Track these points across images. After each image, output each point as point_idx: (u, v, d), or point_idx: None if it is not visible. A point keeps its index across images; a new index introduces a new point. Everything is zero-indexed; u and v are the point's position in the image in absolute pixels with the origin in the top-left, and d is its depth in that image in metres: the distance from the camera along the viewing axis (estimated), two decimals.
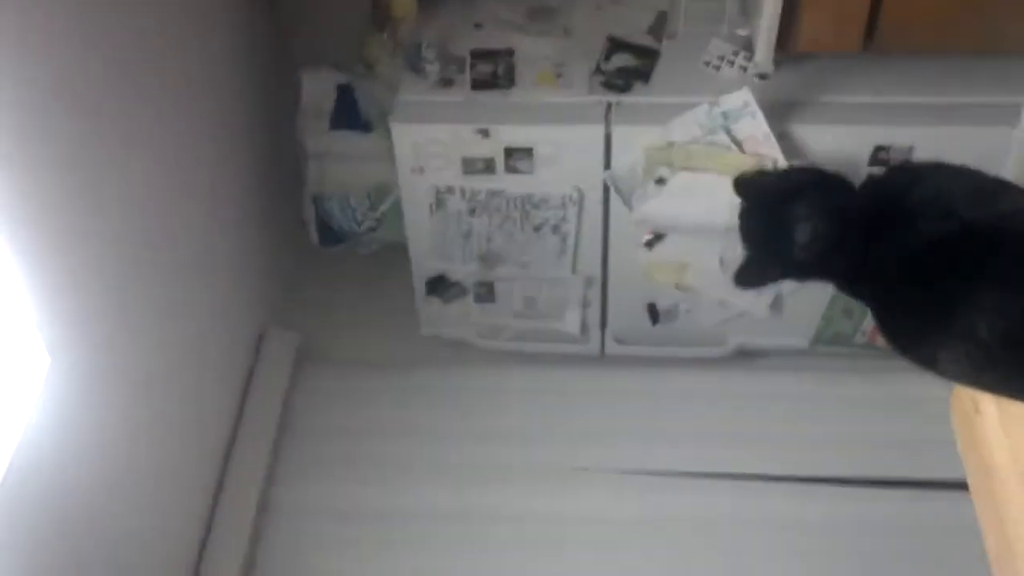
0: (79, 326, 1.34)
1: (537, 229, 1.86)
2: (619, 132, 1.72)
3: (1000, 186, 0.90)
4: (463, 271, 1.96)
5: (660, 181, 1.72)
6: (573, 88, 1.76)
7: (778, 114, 1.67)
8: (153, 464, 1.59)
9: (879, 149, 1.68)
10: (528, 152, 1.75)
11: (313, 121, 2.01)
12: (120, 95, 1.44)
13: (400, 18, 1.87)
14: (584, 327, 2.03)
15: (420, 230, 1.90)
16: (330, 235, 2.12)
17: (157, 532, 1.64)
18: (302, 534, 1.81)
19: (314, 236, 2.13)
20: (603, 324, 2.04)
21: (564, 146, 1.74)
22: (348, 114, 2.00)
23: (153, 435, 1.58)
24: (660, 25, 1.85)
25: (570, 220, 1.83)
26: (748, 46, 1.74)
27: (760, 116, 1.65)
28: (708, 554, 1.78)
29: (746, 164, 1.64)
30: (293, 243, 2.20)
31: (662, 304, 1.98)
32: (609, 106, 1.74)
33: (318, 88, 2.00)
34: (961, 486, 1.11)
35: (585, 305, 1.99)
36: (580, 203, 1.81)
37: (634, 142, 1.71)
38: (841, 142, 1.68)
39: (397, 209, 1.94)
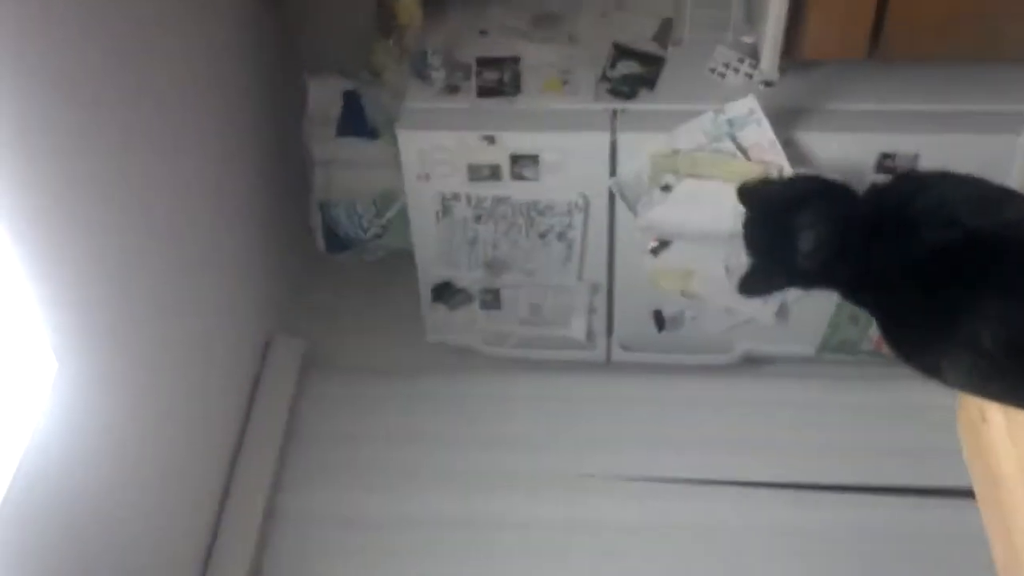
0: (87, 330, 1.35)
1: (543, 236, 1.86)
2: (625, 139, 1.72)
3: (1005, 194, 0.90)
4: (469, 278, 1.96)
5: (666, 188, 1.72)
6: (579, 95, 1.77)
7: (784, 121, 1.67)
8: (160, 470, 1.60)
9: (884, 156, 1.68)
10: (534, 159, 1.75)
11: (319, 128, 2.02)
12: (124, 100, 1.45)
13: (406, 25, 1.88)
14: (590, 334, 2.03)
15: (426, 237, 1.90)
16: (336, 242, 2.13)
17: (163, 537, 1.64)
18: (308, 540, 1.82)
19: (320, 243, 2.14)
20: (609, 331, 2.04)
21: (570, 153, 1.75)
22: (354, 121, 2.00)
23: (160, 441, 1.59)
24: (665, 32, 1.86)
25: (576, 227, 1.84)
26: (753, 53, 1.74)
27: (766, 123, 1.65)
28: (713, 561, 1.77)
29: (752, 171, 1.64)
30: (299, 250, 2.20)
31: (668, 311, 1.98)
32: (615, 113, 1.75)
33: (324, 95, 2.01)
34: (967, 494, 1.10)
35: (591, 312, 1.99)
36: (586, 210, 1.81)
37: (640, 149, 1.71)
38: (846, 149, 1.68)
39: (403, 216, 1.94)
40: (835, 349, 2.00)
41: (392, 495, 1.87)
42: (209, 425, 1.83)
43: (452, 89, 1.80)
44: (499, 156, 1.75)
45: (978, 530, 1.05)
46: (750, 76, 1.75)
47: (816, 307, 1.92)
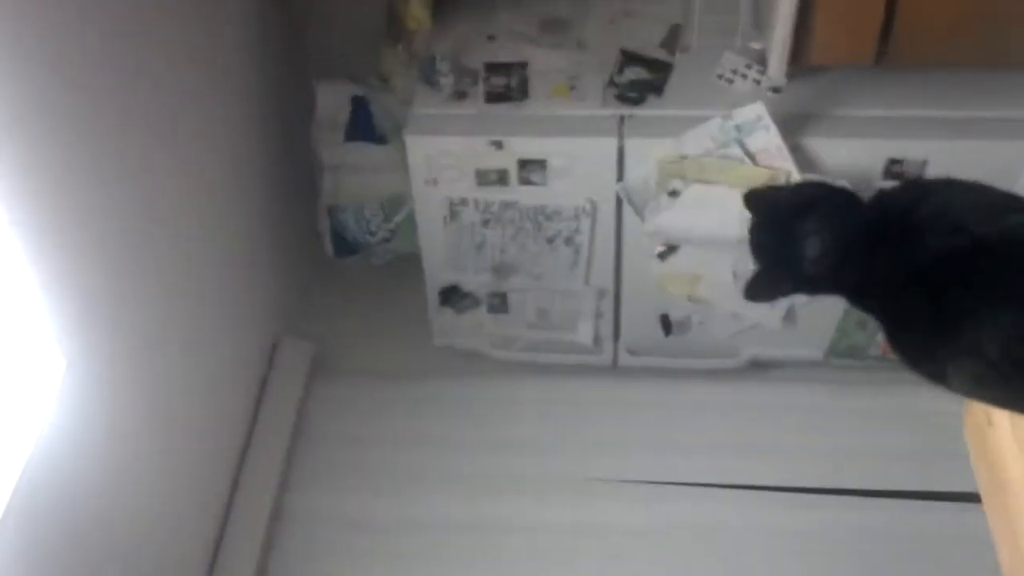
0: (95, 330, 1.36)
1: (550, 241, 1.87)
2: (632, 145, 1.73)
3: (1012, 201, 0.90)
4: (476, 282, 1.97)
5: (673, 193, 1.72)
6: (586, 101, 1.77)
7: (791, 127, 1.68)
8: (167, 470, 1.60)
9: (893, 162, 1.68)
10: (541, 164, 1.76)
11: (328, 133, 2.03)
12: (131, 108, 1.46)
13: (414, 31, 1.89)
14: (597, 338, 2.03)
15: (434, 241, 1.91)
16: (344, 246, 2.14)
17: (170, 537, 1.65)
18: (315, 542, 1.82)
19: (328, 247, 2.14)
20: (616, 335, 2.05)
21: (577, 158, 1.75)
22: (363, 126, 2.01)
23: (167, 442, 1.60)
24: (673, 39, 1.86)
25: (583, 232, 1.84)
26: (761, 59, 1.75)
27: (773, 129, 1.65)
28: (719, 564, 1.78)
29: (759, 177, 1.65)
30: (307, 253, 2.21)
31: (675, 315, 1.98)
32: (622, 119, 1.75)
33: (333, 100, 2.02)
34: (973, 498, 1.11)
35: (598, 316, 2.00)
36: (593, 215, 1.81)
37: (647, 154, 1.72)
38: (854, 155, 1.68)
39: (411, 220, 1.95)
40: (842, 354, 2.00)
41: (399, 498, 1.87)
42: (216, 426, 1.84)
43: (460, 95, 1.80)
44: (507, 161, 1.76)
45: (984, 534, 1.05)
46: (758, 82, 1.75)
47: (824, 312, 1.92)
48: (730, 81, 1.77)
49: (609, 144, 1.73)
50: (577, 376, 2.07)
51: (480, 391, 2.04)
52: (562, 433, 1.96)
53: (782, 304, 1.88)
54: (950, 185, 0.94)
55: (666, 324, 2.00)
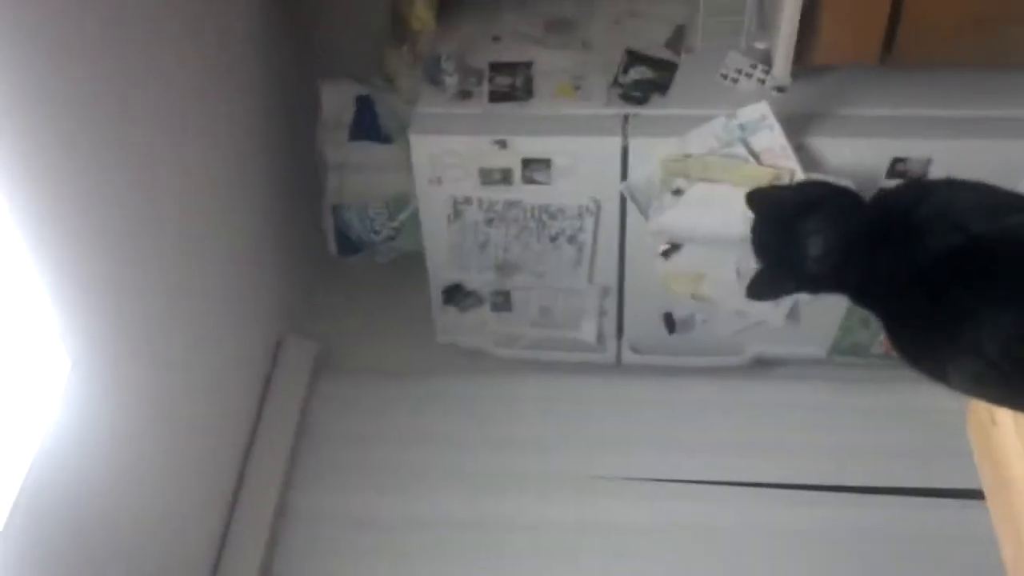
0: (99, 331, 1.36)
1: (554, 239, 1.87)
2: (636, 144, 1.73)
3: (1013, 201, 0.90)
4: (480, 280, 1.97)
5: (677, 192, 1.72)
6: (591, 100, 1.77)
7: (796, 126, 1.68)
8: (172, 468, 1.61)
9: (897, 161, 1.69)
10: (545, 163, 1.76)
11: (333, 132, 2.03)
12: (136, 107, 1.47)
13: (419, 31, 1.89)
14: (600, 336, 2.03)
15: (437, 240, 1.91)
16: (348, 244, 2.14)
17: (175, 536, 1.65)
18: (319, 540, 1.83)
19: (332, 245, 2.15)
20: (619, 333, 2.05)
21: (581, 157, 1.76)
22: (367, 125, 2.02)
23: (172, 440, 1.60)
24: (678, 38, 1.86)
25: (587, 230, 1.84)
26: (766, 59, 1.75)
27: (778, 128, 1.66)
28: (722, 562, 1.78)
29: (763, 176, 1.65)
30: (311, 252, 2.22)
31: (679, 314, 1.99)
32: (626, 118, 1.75)
33: (338, 99, 2.03)
34: (976, 496, 1.11)
35: (601, 314, 2.00)
36: (597, 214, 1.82)
37: (651, 154, 1.72)
38: (859, 154, 1.69)
39: (415, 219, 1.96)
40: (846, 352, 2.00)
41: (402, 496, 1.88)
42: (221, 425, 1.84)
43: (464, 94, 1.80)
44: (511, 160, 1.76)
45: (987, 532, 1.05)
46: (762, 82, 1.75)
47: (827, 310, 1.93)
48: (735, 81, 1.77)
49: (613, 143, 1.73)
50: (580, 374, 2.07)
51: (483, 389, 2.05)
52: (565, 431, 1.96)
53: (785, 302, 1.89)
54: (951, 185, 0.95)
55: (670, 322, 2.00)
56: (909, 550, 1.75)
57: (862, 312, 1.89)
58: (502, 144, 1.74)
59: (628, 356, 2.07)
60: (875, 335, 1.94)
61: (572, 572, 1.79)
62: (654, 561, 1.78)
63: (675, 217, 1.74)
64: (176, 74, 1.57)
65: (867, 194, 1.01)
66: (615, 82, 1.80)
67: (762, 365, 2.06)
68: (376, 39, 1.98)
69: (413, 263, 2.02)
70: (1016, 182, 1.09)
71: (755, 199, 1.07)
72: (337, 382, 2.07)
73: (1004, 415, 1.02)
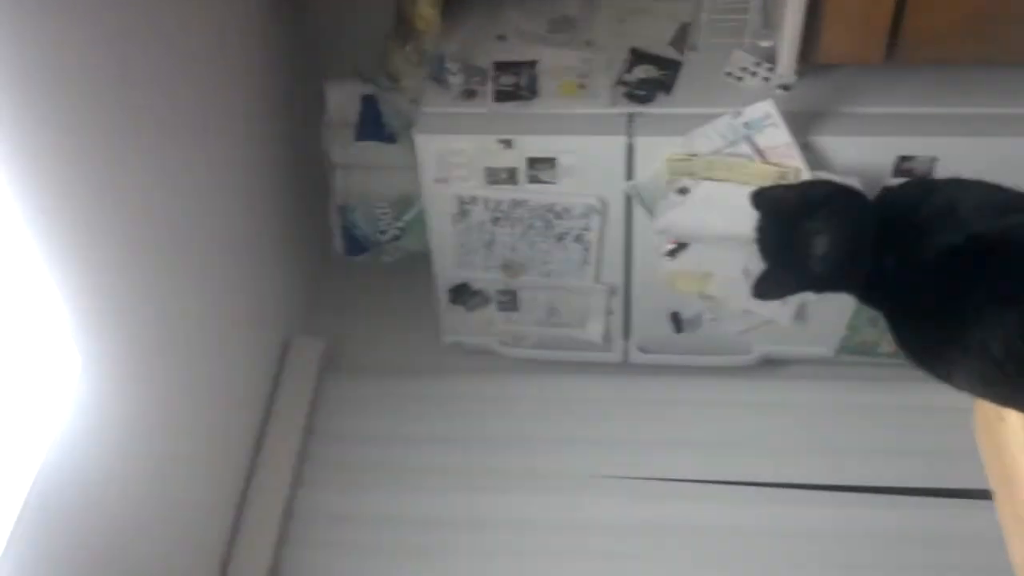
0: (109, 332, 1.37)
1: (560, 238, 1.87)
2: (641, 142, 1.73)
3: (1018, 199, 0.90)
4: (486, 280, 1.98)
5: (682, 191, 1.72)
6: (596, 99, 1.77)
7: (801, 125, 1.67)
8: (181, 467, 1.62)
9: (902, 160, 1.68)
10: (551, 162, 1.76)
11: (338, 132, 2.03)
12: (144, 109, 1.47)
13: (423, 31, 1.89)
14: (607, 335, 2.03)
15: (443, 239, 1.92)
16: (355, 244, 2.15)
17: (184, 534, 1.66)
18: (327, 539, 1.83)
19: (339, 245, 2.15)
20: (626, 333, 2.05)
21: (587, 156, 1.76)
22: (373, 125, 2.02)
23: (181, 439, 1.61)
24: (682, 37, 1.86)
25: (593, 229, 1.84)
26: (770, 57, 1.75)
27: (783, 127, 1.65)
28: (730, 561, 1.78)
29: (769, 174, 1.65)
30: (318, 252, 2.23)
31: (686, 313, 1.98)
32: (631, 117, 1.75)
33: (343, 99, 2.03)
34: (984, 495, 1.11)
35: (608, 313, 2.00)
36: (603, 213, 1.82)
37: (656, 153, 1.72)
38: (864, 153, 1.68)
39: (421, 219, 1.96)
40: (853, 351, 1.99)
41: (410, 494, 1.88)
42: (229, 424, 1.85)
43: (469, 94, 1.81)
44: (516, 159, 1.76)
45: (995, 532, 1.05)
46: (767, 80, 1.75)
47: (835, 309, 1.92)
48: (739, 79, 1.77)
49: (618, 142, 1.73)
50: (587, 373, 2.07)
51: (490, 389, 2.05)
52: (572, 430, 1.96)
53: (793, 301, 1.88)
54: (955, 183, 0.95)
55: (677, 321, 2.00)
56: (918, 549, 1.75)
57: (870, 311, 1.89)
58: (507, 143, 1.75)
59: (635, 355, 2.07)
60: (883, 334, 1.93)
61: (579, 571, 1.79)
62: (662, 560, 1.78)
63: (680, 216, 1.74)
64: (182, 76, 1.58)
65: (872, 192, 1.01)
66: (620, 81, 1.80)
67: (769, 364, 2.06)
68: (381, 39, 1.98)
69: (419, 263, 2.03)
70: (1022, 180, 1.09)
71: (760, 198, 1.07)
72: (344, 382, 2.08)
73: (1011, 413, 1.01)
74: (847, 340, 1.97)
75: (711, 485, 1.87)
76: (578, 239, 1.87)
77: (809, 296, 1.82)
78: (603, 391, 2.04)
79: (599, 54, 1.84)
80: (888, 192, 0.98)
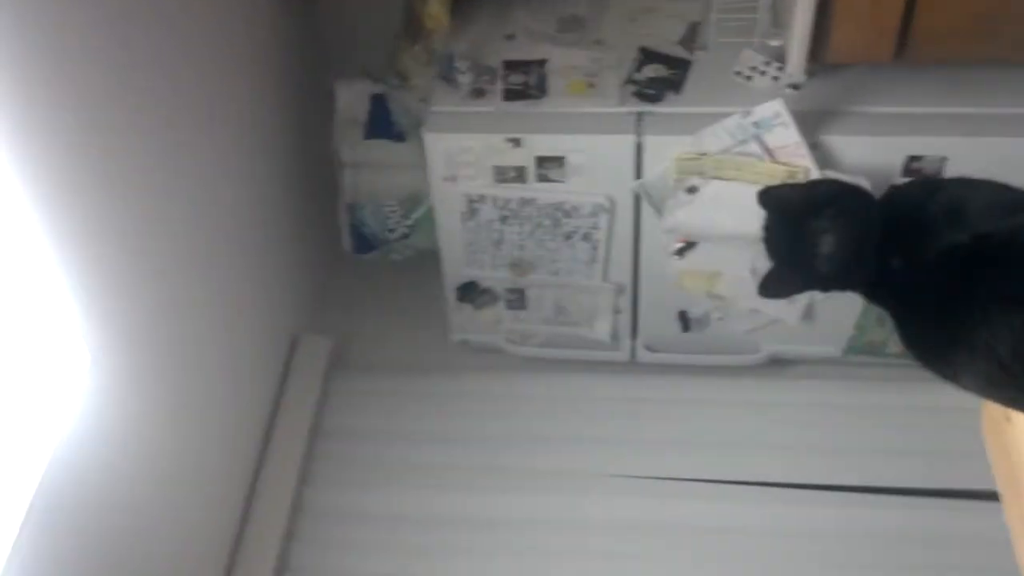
0: (119, 327, 1.37)
1: (568, 237, 1.87)
2: (650, 142, 1.73)
3: (1020, 199, 0.90)
4: (494, 278, 1.98)
5: (691, 190, 1.72)
6: (605, 98, 1.77)
7: (810, 124, 1.67)
8: (189, 464, 1.62)
9: (912, 159, 1.68)
10: (559, 161, 1.76)
11: (348, 130, 2.04)
12: (155, 106, 1.48)
13: (433, 30, 1.89)
14: (614, 334, 2.03)
15: (452, 238, 1.92)
16: (363, 242, 2.15)
17: (192, 531, 1.67)
18: (335, 536, 1.84)
19: (347, 243, 2.16)
20: (634, 331, 2.05)
21: (595, 155, 1.76)
22: (382, 124, 2.02)
23: (189, 436, 1.62)
24: (692, 36, 1.86)
25: (601, 228, 1.85)
26: (780, 57, 1.74)
27: (792, 126, 1.65)
28: (735, 561, 1.78)
29: (778, 174, 1.64)
30: (327, 250, 2.23)
31: (693, 312, 1.98)
32: (640, 116, 1.75)
33: (352, 98, 2.03)
34: (992, 497, 1.11)
35: (616, 312, 2.00)
36: (611, 212, 1.82)
37: (665, 152, 1.72)
38: (873, 152, 1.68)
39: (429, 217, 1.96)
40: (861, 351, 1.99)
41: (416, 492, 1.88)
42: (237, 421, 1.86)
43: (478, 92, 1.81)
44: (525, 158, 1.77)
45: (1003, 533, 1.05)
46: (776, 79, 1.75)
47: (842, 309, 1.92)
48: (749, 78, 1.77)
49: (627, 141, 1.73)
50: (595, 372, 2.07)
51: (497, 387, 2.05)
52: (580, 429, 1.97)
53: (800, 301, 1.88)
54: (962, 182, 0.95)
55: (684, 320, 2.00)
56: (923, 551, 1.74)
57: (878, 311, 1.88)
58: (516, 142, 1.75)
59: (642, 354, 2.07)
60: (891, 334, 1.92)
61: (585, 570, 1.79)
62: (668, 560, 1.78)
63: (689, 215, 1.74)
64: (192, 74, 1.58)
65: (880, 192, 1.01)
66: (629, 80, 1.80)
67: (777, 364, 2.06)
68: (390, 38, 1.98)
69: (427, 261, 2.03)
70: None
71: (767, 198, 1.07)
72: (352, 379, 2.09)
73: (1018, 413, 1.01)
74: (855, 340, 1.97)
75: (718, 485, 1.87)
76: (586, 238, 1.87)
77: (817, 295, 1.82)
78: (610, 390, 2.04)
79: (608, 53, 1.84)
80: (895, 191, 0.98)
